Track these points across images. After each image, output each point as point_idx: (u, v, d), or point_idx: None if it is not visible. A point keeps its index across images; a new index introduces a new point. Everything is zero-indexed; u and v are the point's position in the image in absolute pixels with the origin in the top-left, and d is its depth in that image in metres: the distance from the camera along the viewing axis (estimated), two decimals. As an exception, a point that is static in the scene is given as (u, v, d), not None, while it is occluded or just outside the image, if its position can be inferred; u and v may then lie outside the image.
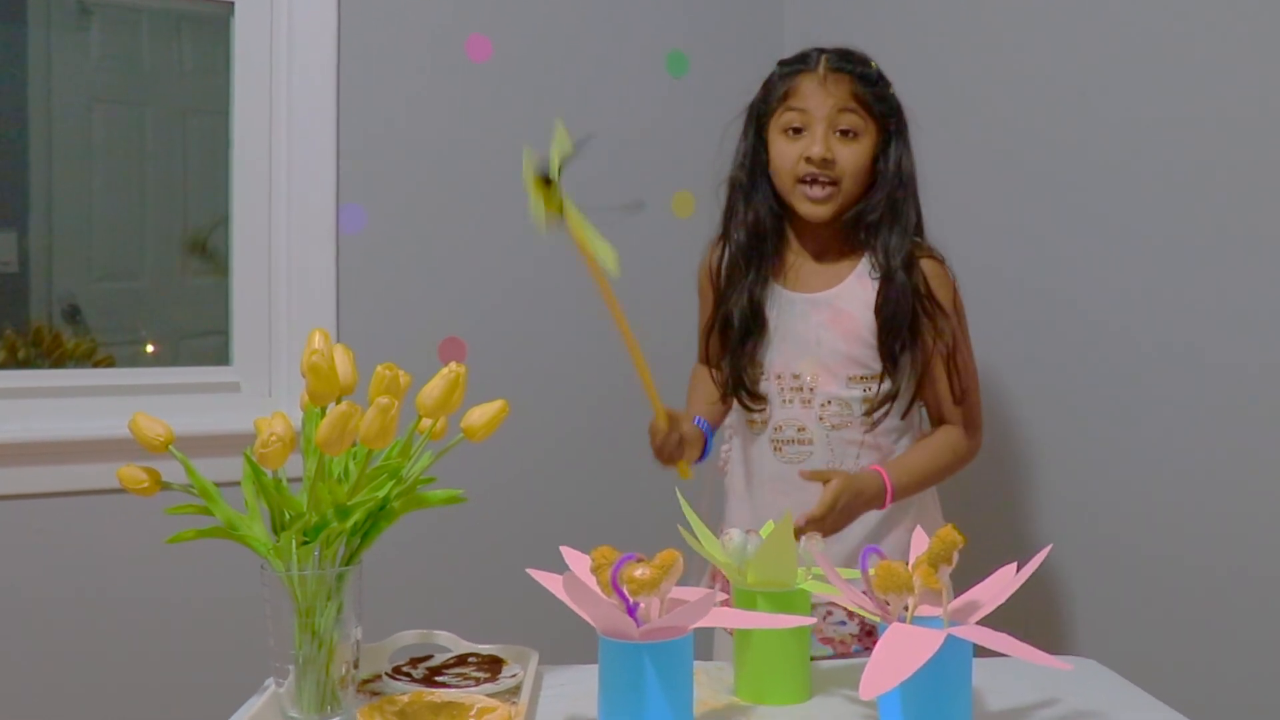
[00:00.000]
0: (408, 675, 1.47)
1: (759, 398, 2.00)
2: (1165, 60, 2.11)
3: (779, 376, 1.98)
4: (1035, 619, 2.20)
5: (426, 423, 1.36)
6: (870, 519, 1.93)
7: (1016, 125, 2.42)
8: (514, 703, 1.38)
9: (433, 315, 2.68)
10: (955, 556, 1.26)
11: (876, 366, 1.95)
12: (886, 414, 1.95)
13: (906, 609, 1.28)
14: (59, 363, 2.66)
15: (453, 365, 1.34)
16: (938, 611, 1.28)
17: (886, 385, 1.94)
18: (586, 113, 2.88)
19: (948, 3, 2.63)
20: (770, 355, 2.00)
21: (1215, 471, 1.96)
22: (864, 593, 1.32)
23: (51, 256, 2.80)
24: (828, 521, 1.80)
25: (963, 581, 1.33)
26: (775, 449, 1.99)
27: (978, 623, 1.28)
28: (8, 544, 2.37)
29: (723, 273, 2.05)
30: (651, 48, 2.96)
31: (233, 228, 2.64)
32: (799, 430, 1.97)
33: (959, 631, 1.24)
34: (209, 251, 2.75)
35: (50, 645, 2.40)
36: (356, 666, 1.38)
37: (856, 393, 1.96)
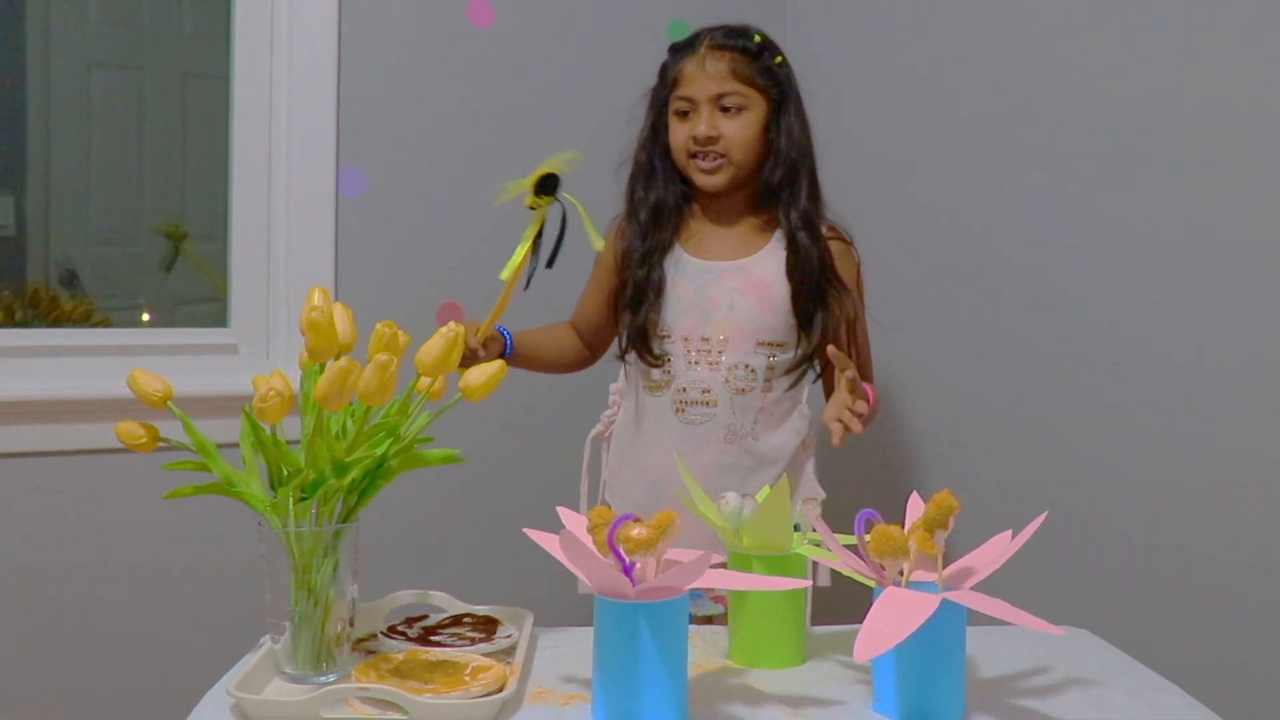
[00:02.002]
0: (403, 634, 1.48)
1: (659, 356, 2.06)
2: (1146, 52, 2.12)
3: (686, 339, 2.05)
4: (1029, 590, 2.21)
5: (425, 381, 1.37)
6: (742, 471, 2.05)
7: (1028, 106, 2.42)
8: (509, 663, 1.39)
9: (431, 280, 2.69)
10: (951, 522, 1.26)
11: (784, 336, 2.07)
12: (796, 382, 2.07)
13: (901, 573, 1.29)
14: (55, 325, 2.66)
15: (451, 325, 1.34)
16: (933, 577, 1.28)
17: (800, 350, 2.06)
18: (587, 79, 2.89)
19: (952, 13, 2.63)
20: (678, 319, 2.06)
21: (1208, 449, 1.97)
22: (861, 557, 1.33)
23: (49, 220, 2.81)
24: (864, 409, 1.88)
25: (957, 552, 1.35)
26: (677, 410, 2.06)
27: (972, 588, 1.29)
28: (3, 502, 2.38)
29: (623, 246, 2.13)
30: (654, 15, 2.97)
31: (232, 190, 2.63)
32: (704, 392, 2.04)
33: (954, 596, 1.24)
34: (179, 250, 2.75)
35: (47, 602, 2.41)
36: (352, 625, 1.39)
37: (762, 359, 2.05)
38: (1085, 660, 1.47)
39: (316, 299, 1.31)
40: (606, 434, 2.20)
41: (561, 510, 1.41)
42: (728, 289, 2.05)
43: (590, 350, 2.25)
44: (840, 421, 1.85)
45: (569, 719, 1.26)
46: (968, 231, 2.47)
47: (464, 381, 1.38)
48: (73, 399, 2.39)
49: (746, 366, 2.04)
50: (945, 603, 1.22)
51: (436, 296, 2.61)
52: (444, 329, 1.34)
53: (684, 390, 2.04)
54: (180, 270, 2.85)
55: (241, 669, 1.34)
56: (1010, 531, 1.36)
